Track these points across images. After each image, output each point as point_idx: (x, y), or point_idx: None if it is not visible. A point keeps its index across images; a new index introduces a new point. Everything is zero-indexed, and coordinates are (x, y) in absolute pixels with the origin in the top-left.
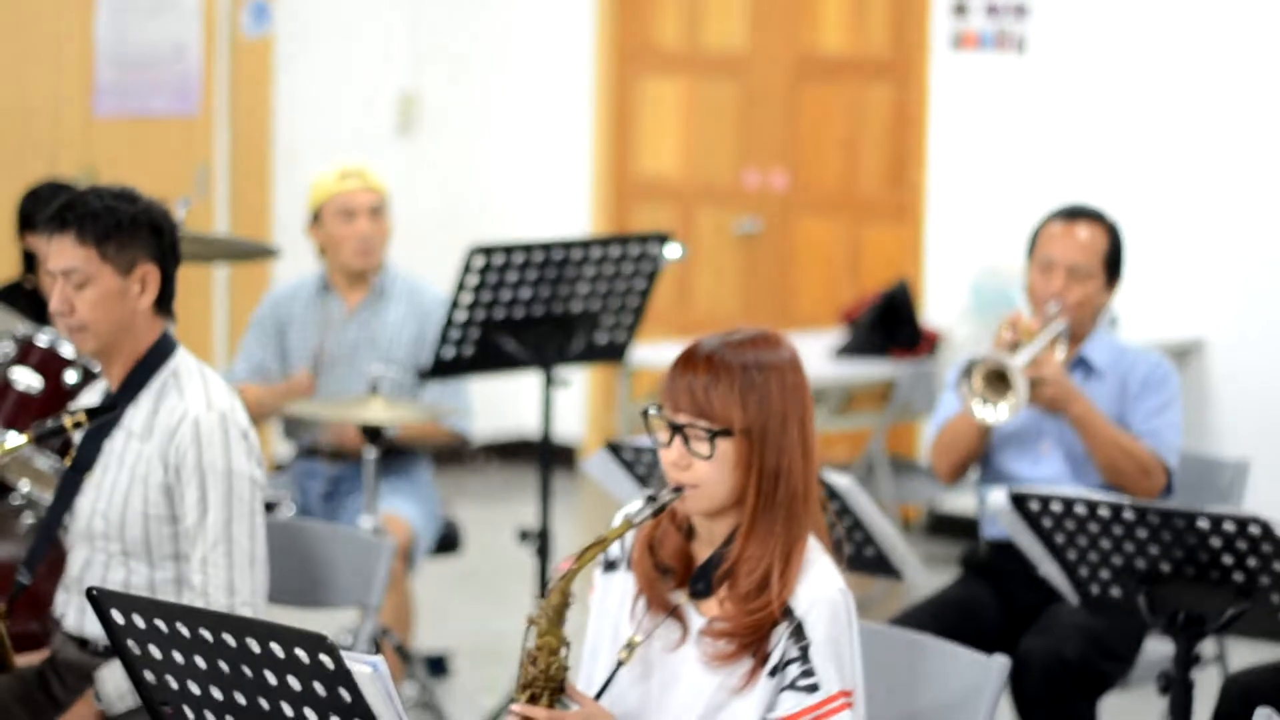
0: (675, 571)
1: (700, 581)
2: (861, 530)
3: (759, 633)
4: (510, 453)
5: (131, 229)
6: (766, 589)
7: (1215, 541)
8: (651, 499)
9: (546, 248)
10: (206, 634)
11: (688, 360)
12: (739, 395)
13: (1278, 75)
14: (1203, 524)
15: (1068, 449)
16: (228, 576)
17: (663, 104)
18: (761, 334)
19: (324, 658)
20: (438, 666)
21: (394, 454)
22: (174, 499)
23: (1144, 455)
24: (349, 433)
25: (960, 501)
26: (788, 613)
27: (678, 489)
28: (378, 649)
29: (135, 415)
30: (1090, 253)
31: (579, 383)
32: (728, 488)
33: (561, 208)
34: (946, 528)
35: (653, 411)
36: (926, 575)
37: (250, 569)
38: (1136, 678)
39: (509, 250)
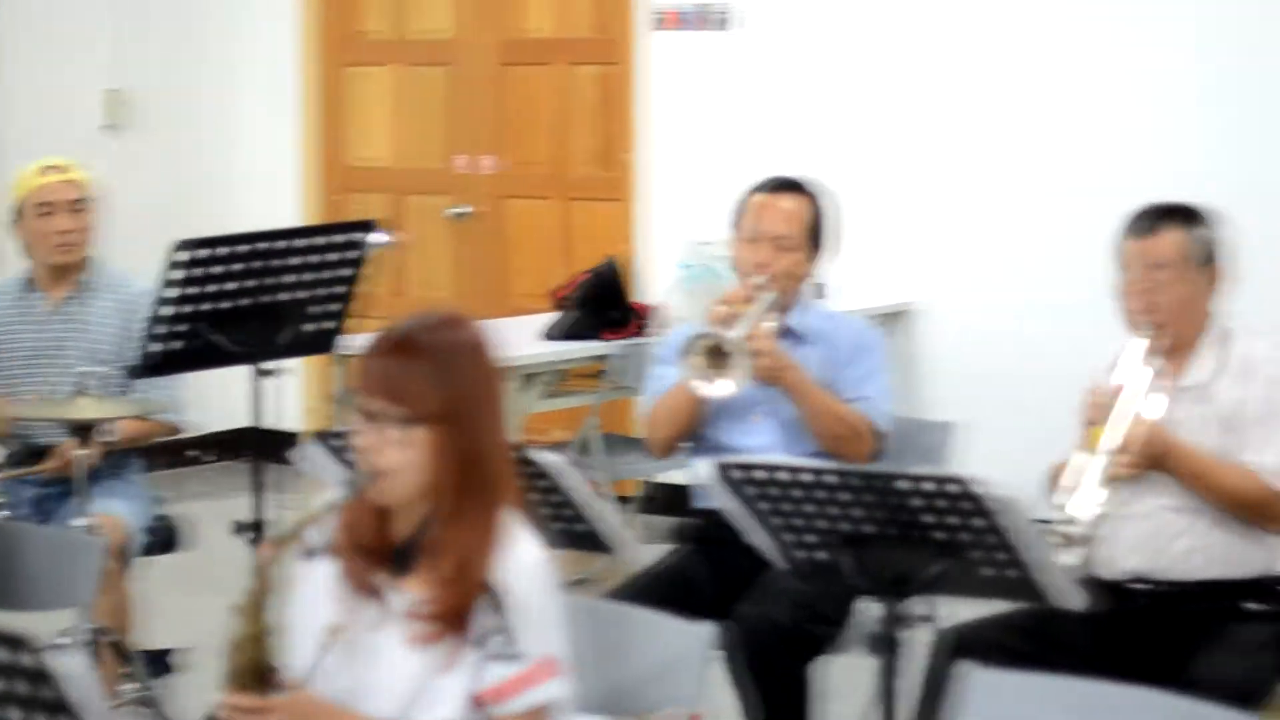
0: (375, 552)
1: (400, 561)
2: (572, 507)
3: (461, 613)
4: (231, 447)
5: None
6: (467, 572)
7: (916, 502)
8: (349, 483)
9: (252, 239)
10: None
11: (381, 345)
12: (433, 381)
13: (980, 45)
14: (903, 485)
15: (779, 418)
16: None
17: (372, 93)
18: (453, 316)
19: (23, 657)
20: (160, 664)
21: (106, 454)
22: None
23: (857, 421)
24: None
25: (678, 474)
26: (489, 586)
27: (372, 473)
28: (95, 648)
29: None
30: (795, 223)
31: (298, 373)
32: (422, 472)
33: (275, 199)
34: (665, 501)
35: (347, 397)
36: (641, 549)
37: None
38: (849, 640)
39: (213, 243)
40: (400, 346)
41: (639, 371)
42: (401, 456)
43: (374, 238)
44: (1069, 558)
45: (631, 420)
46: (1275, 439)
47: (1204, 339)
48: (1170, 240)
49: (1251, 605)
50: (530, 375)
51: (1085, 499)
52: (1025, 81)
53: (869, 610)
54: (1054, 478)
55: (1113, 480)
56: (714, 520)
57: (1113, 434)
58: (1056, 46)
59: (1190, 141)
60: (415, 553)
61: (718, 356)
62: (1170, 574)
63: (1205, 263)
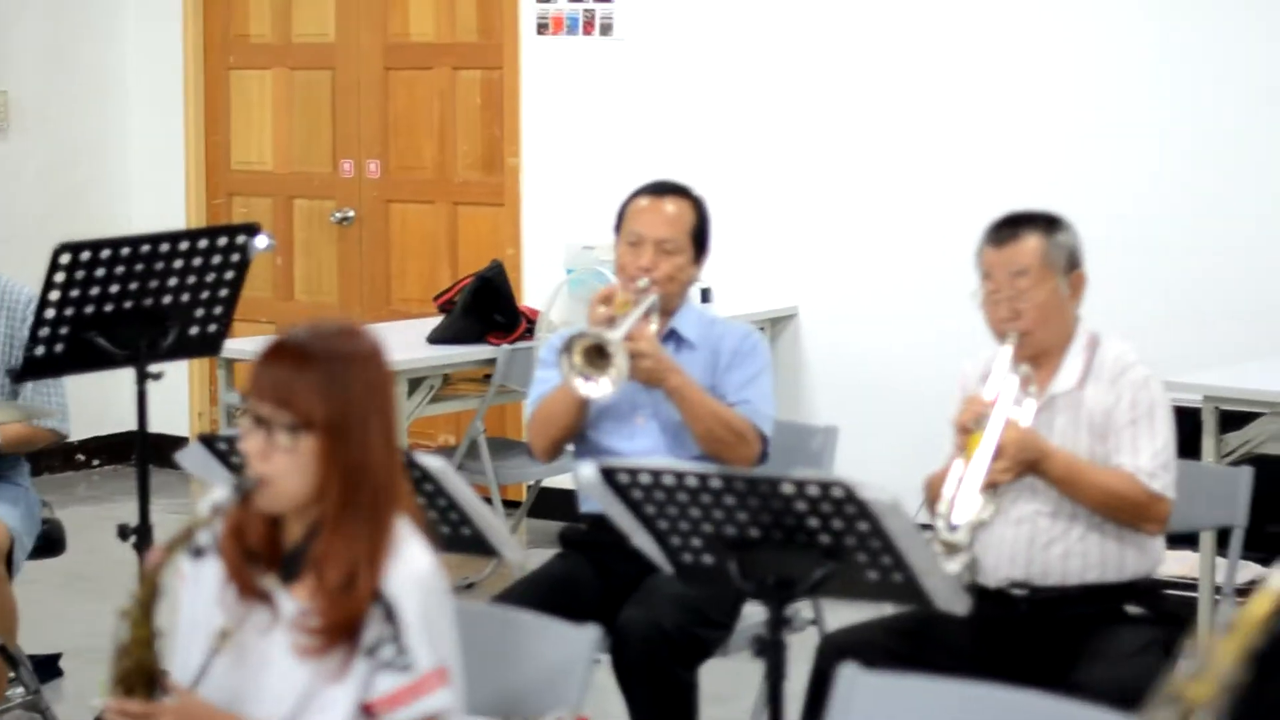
0: (263, 557)
1: (289, 566)
2: (457, 511)
3: (349, 626)
4: (119, 451)
5: None
6: (355, 583)
7: (800, 505)
8: (236, 487)
9: (133, 242)
10: None
11: (273, 351)
12: (322, 389)
13: (855, 59)
14: (787, 488)
15: (662, 421)
16: None
17: (256, 96)
18: (346, 326)
19: None
20: (47, 668)
21: None
22: None
23: (740, 424)
24: None
25: (565, 479)
26: (379, 594)
27: (258, 478)
28: None
29: None
30: (678, 227)
31: (183, 377)
32: (307, 480)
33: (160, 203)
34: (552, 505)
35: (241, 402)
36: (528, 553)
37: None
38: (736, 644)
39: (96, 246)
40: (293, 353)
41: (525, 375)
42: (287, 463)
43: (257, 241)
44: (952, 566)
45: (518, 424)
46: (1147, 441)
47: (1070, 345)
48: (1030, 247)
49: (1132, 609)
50: (415, 379)
51: (965, 506)
52: (903, 93)
53: (755, 614)
54: (932, 487)
55: (990, 486)
56: (599, 524)
57: (988, 440)
58: (928, 60)
59: (1057, 152)
60: (304, 560)
61: (598, 357)
62: (1048, 579)
63: (1067, 269)
